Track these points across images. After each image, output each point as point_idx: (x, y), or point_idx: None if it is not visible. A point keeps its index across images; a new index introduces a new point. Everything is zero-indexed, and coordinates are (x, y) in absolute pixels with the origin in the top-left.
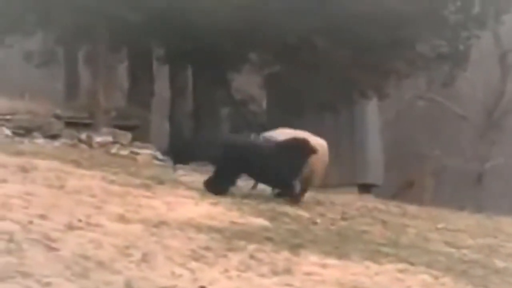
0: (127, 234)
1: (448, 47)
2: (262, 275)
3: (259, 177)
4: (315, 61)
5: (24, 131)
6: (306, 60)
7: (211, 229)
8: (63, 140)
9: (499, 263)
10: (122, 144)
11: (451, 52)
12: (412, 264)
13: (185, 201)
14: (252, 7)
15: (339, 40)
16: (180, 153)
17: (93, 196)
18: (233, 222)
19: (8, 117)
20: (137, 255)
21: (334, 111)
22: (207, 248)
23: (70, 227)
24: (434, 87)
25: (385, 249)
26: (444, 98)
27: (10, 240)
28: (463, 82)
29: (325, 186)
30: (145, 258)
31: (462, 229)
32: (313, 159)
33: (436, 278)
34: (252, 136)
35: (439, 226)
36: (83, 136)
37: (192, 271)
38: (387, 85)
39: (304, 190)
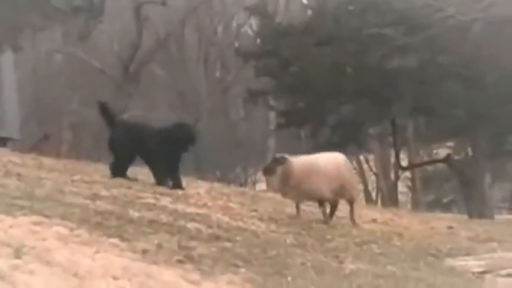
0: None
1: (82, 0)
2: None
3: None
4: None
5: None
6: None
7: None
8: None
9: (134, 213)
10: None
11: (86, 5)
12: (47, 216)
13: None
14: None
15: None
16: None
17: None
18: None
19: None
20: None
21: None
22: None
23: None
24: (71, 40)
25: (20, 202)
26: (81, 51)
27: None
28: (99, 35)
29: None
30: None
31: (97, 180)
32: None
33: (71, 229)
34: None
35: (75, 178)
36: None
37: None
38: (20, 38)
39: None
